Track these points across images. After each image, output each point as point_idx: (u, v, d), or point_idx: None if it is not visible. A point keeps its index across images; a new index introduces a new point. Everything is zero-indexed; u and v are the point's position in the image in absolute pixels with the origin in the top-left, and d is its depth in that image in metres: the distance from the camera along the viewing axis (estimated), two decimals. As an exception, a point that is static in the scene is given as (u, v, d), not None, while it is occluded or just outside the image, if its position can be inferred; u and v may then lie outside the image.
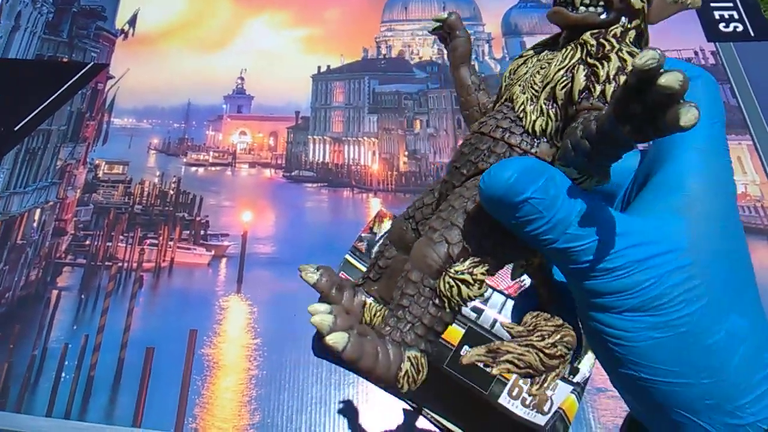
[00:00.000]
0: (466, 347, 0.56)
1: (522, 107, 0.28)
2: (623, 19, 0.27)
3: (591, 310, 0.26)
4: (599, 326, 0.26)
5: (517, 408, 0.55)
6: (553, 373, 0.28)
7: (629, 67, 0.25)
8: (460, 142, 0.31)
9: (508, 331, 0.29)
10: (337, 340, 0.25)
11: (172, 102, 0.90)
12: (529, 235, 0.25)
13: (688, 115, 0.19)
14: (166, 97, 0.90)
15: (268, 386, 0.64)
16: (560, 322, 0.29)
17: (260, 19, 0.98)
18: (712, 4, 0.91)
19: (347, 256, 0.64)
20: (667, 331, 0.24)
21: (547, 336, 0.28)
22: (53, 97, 0.86)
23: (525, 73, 0.29)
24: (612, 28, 0.27)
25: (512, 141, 0.28)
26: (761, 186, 0.77)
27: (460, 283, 0.27)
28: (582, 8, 0.27)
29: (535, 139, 0.28)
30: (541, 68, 0.28)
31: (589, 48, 0.26)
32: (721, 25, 0.90)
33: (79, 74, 0.89)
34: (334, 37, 0.96)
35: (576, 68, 0.26)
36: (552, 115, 0.27)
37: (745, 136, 0.80)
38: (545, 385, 0.28)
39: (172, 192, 0.81)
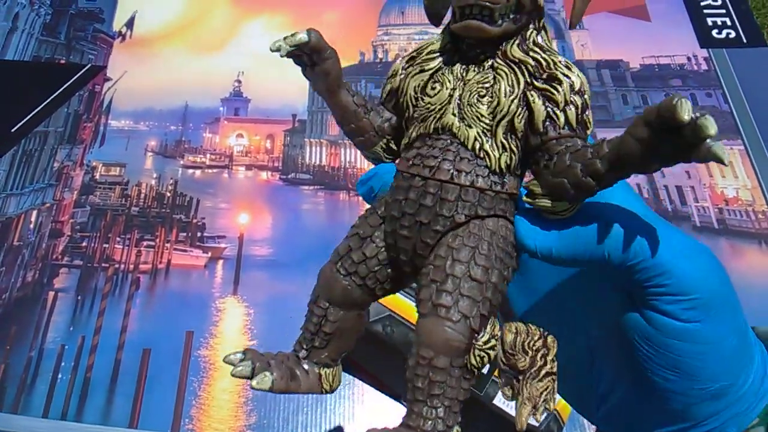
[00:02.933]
0: None
1: (478, 145, 0.26)
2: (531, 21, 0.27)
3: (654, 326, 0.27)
4: (683, 344, 0.26)
5: (512, 409, 0.56)
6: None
7: (575, 85, 0.26)
8: (396, 188, 0.28)
9: (511, 371, 0.28)
10: None
11: (169, 104, 0.90)
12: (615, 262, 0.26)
13: (722, 150, 0.20)
14: (163, 99, 0.90)
15: (264, 388, 0.64)
16: (527, 329, 0.28)
17: (257, 21, 0.98)
18: (705, 11, 0.93)
19: None
20: (740, 331, 0.27)
21: (543, 354, 0.27)
22: (50, 98, 0.87)
23: (450, 96, 0.27)
24: (528, 33, 0.27)
25: (482, 185, 0.26)
26: (752, 190, 0.78)
27: (489, 351, 0.27)
28: (500, 21, 0.26)
29: (503, 177, 0.27)
30: (480, 95, 0.26)
31: (530, 69, 0.26)
32: (714, 32, 0.91)
33: (77, 76, 0.90)
34: (331, 40, 0.95)
35: (530, 97, 0.26)
36: (514, 149, 0.26)
37: (736, 141, 0.81)
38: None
39: (168, 194, 0.81)
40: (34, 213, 0.79)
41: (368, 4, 1.01)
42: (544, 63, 0.26)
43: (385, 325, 0.58)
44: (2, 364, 0.66)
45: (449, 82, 0.27)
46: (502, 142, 0.26)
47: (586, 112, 0.26)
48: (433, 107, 0.27)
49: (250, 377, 0.28)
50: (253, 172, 0.86)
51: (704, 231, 0.76)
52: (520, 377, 0.27)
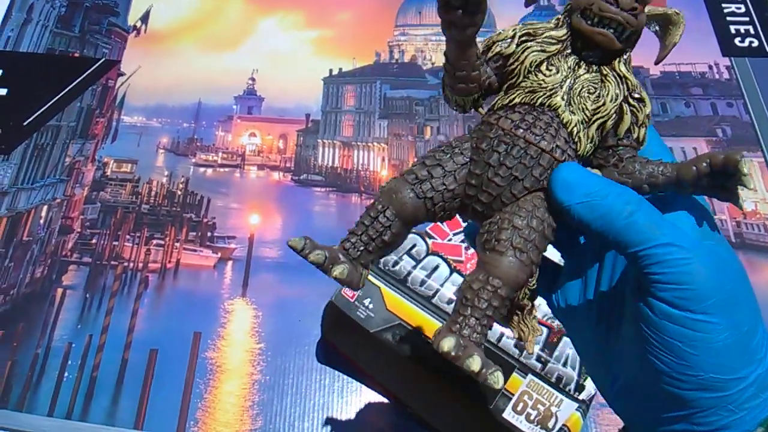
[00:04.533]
0: None
1: (576, 131, 0.31)
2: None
3: (661, 310, 0.28)
4: (675, 327, 0.28)
5: (521, 423, 0.55)
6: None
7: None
8: (498, 141, 0.32)
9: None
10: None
11: (182, 101, 0.90)
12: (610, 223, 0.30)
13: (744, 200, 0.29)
14: (177, 95, 0.90)
15: (270, 391, 0.64)
16: None
17: (273, 19, 0.97)
18: (728, 19, 0.91)
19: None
20: (736, 331, 0.28)
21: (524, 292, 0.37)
22: (63, 92, 0.86)
23: (562, 83, 0.31)
24: (626, 58, 0.32)
25: None
26: (772, 204, 0.76)
27: (529, 291, 0.34)
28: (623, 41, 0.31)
29: (580, 161, 0.32)
30: (590, 92, 0.31)
31: (630, 86, 0.32)
32: (737, 40, 0.89)
33: (90, 70, 0.89)
34: (347, 39, 0.95)
35: (624, 108, 0.32)
36: (595, 143, 0.32)
37: (756, 153, 0.79)
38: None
39: (179, 192, 0.81)
40: (45, 208, 0.78)
41: (384, 3, 1.00)
42: (636, 86, 0.32)
43: (394, 334, 0.58)
44: (9, 360, 0.65)
45: (564, 70, 0.32)
46: (592, 135, 0.32)
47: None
48: (545, 85, 0.31)
49: (322, 264, 0.31)
50: (265, 173, 0.86)
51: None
52: (518, 312, 0.37)
